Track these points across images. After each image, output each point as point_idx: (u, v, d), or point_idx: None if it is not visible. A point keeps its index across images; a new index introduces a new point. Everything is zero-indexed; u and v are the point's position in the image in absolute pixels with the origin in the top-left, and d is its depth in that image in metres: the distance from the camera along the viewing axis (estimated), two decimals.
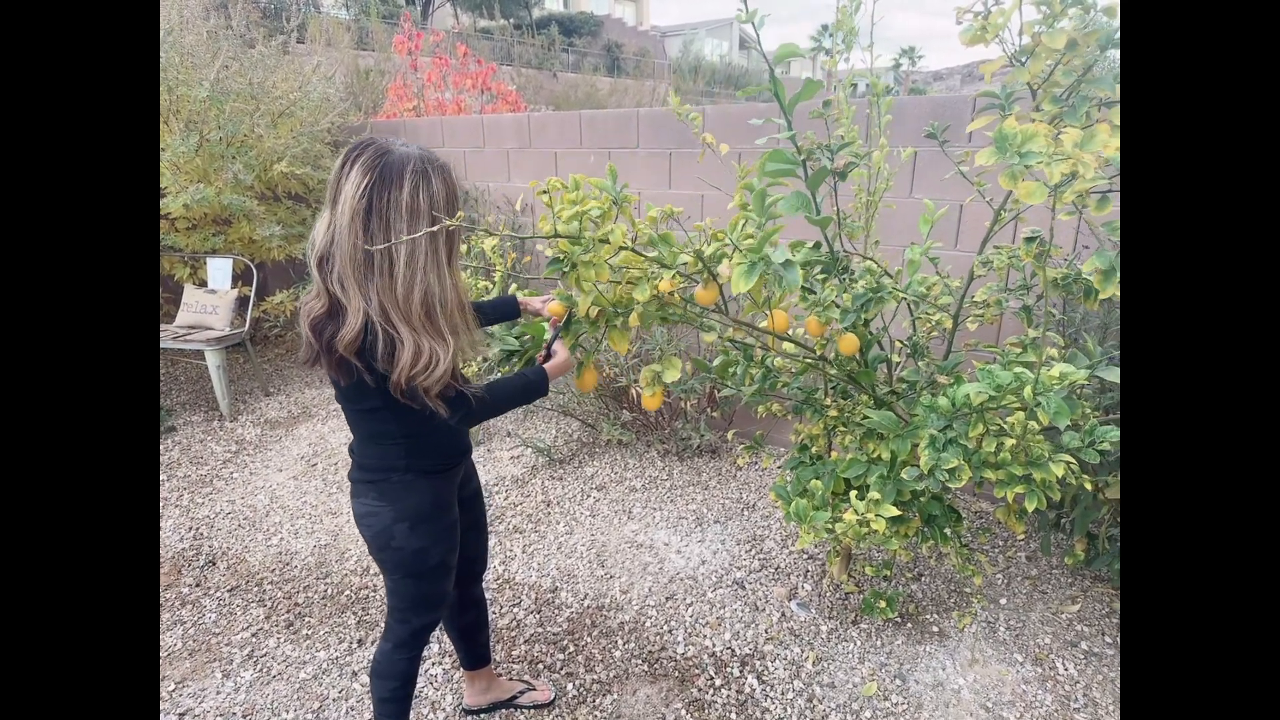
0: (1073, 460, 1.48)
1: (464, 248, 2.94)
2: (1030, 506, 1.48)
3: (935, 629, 2.14)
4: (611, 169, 1.38)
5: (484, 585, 2.35)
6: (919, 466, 1.50)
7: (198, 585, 2.39)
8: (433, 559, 1.39)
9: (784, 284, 1.26)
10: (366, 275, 1.13)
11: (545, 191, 1.32)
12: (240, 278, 4.18)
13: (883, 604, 2.08)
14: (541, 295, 1.66)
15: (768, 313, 1.59)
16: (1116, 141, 1.04)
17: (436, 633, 2.14)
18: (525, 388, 1.37)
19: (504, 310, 1.63)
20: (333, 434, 3.55)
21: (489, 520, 2.71)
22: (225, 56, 3.82)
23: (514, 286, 1.72)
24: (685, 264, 1.45)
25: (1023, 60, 1.30)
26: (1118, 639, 2.07)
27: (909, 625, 2.15)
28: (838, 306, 1.61)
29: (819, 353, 1.80)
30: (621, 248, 1.36)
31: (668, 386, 1.57)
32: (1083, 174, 1.05)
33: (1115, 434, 1.39)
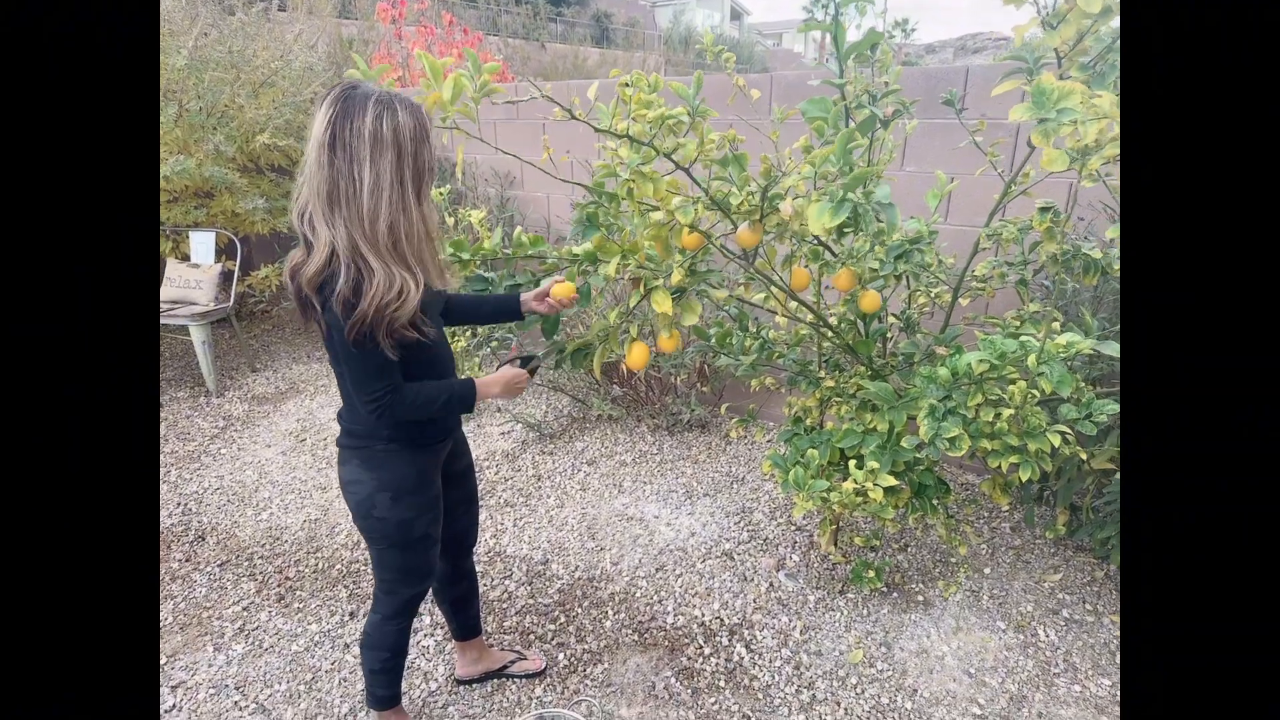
0: (1069, 431, 1.49)
1: (450, 220, 2.87)
2: (1024, 476, 1.49)
3: (920, 598, 2.17)
4: (698, 76, 1.32)
5: (475, 558, 2.37)
6: (918, 436, 1.51)
7: (188, 560, 2.39)
8: (416, 531, 1.39)
9: (886, 224, 1.23)
10: (333, 206, 1.12)
11: (627, 84, 1.27)
12: (224, 252, 4.12)
13: (870, 574, 2.10)
14: (546, 280, 1.54)
15: (780, 274, 1.58)
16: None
17: (428, 604, 2.15)
18: (449, 399, 1.32)
19: (504, 310, 1.54)
20: (321, 409, 3.53)
21: (480, 494, 2.71)
22: (204, 24, 3.72)
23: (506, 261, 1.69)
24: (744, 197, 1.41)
25: (1054, 25, 1.28)
26: (1098, 607, 2.12)
27: (895, 595, 2.19)
28: (869, 256, 1.60)
29: (823, 317, 1.79)
30: (680, 167, 1.32)
31: (682, 332, 1.55)
32: (1116, 135, 1.04)
33: (1112, 406, 1.40)
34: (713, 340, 1.96)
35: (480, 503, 2.69)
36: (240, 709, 1.80)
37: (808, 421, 2.08)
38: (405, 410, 1.26)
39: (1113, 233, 1.27)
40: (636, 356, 1.51)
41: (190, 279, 3.79)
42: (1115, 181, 1.28)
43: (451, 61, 1.21)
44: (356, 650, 1.98)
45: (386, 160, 1.12)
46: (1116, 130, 1.06)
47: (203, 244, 3.89)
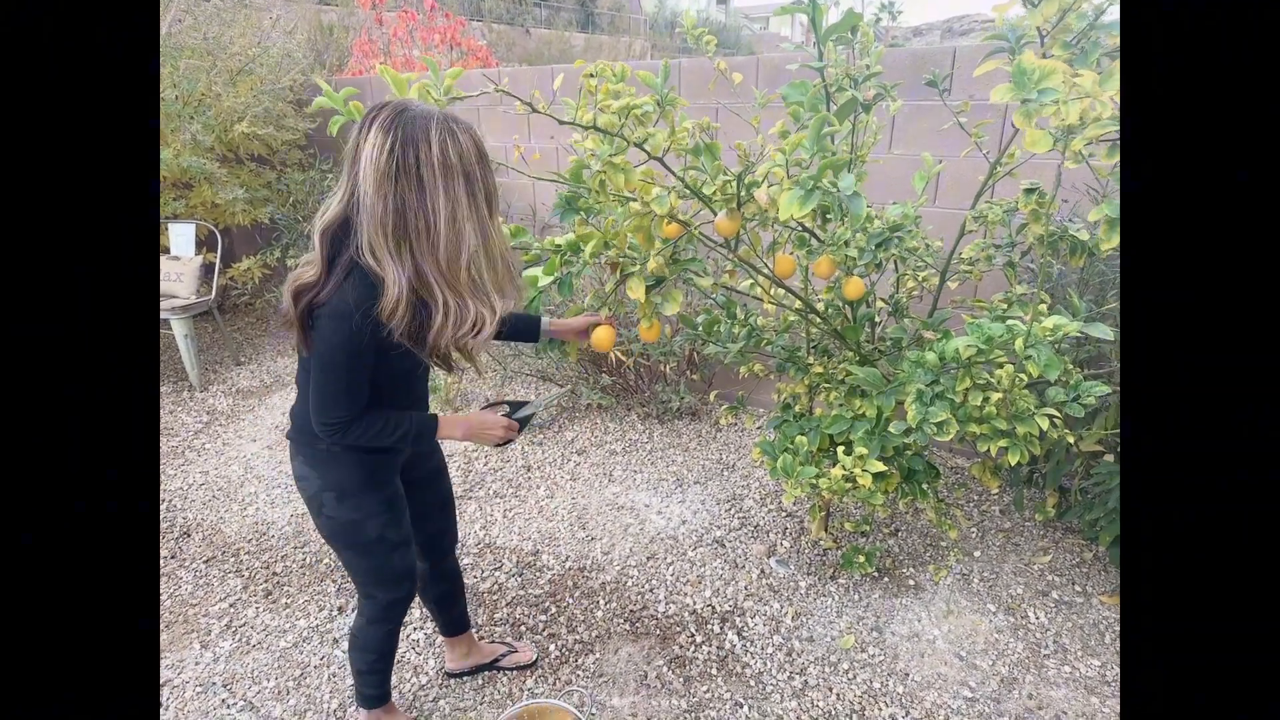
0: (1057, 414, 1.49)
1: None
2: (1013, 460, 1.49)
3: (911, 582, 2.18)
4: (665, 64, 1.30)
5: (466, 550, 2.35)
6: (905, 421, 1.50)
7: (173, 557, 2.36)
8: (369, 532, 1.34)
9: (849, 215, 1.22)
10: (401, 240, 1.06)
11: (592, 74, 1.24)
12: (204, 244, 4.05)
13: (861, 559, 2.11)
14: (585, 315, 1.54)
15: (765, 261, 1.56)
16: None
17: (417, 598, 2.14)
18: (405, 434, 1.26)
19: (524, 330, 1.51)
20: None
21: (469, 486, 2.69)
22: (177, 9, 3.64)
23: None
24: (718, 186, 1.39)
25: (1035, 3, 1.27)
26: (1086, 588, 2.13)
27: (886, 579, 2.19)
28: (849, 245, 1.58)
29: (810, 304, 1.77)
30: (652, 156, 1.30)
31: (664, 323, 1.54)
32: (1100, 114, 1.03)
33: (1100, 388, 1.39)
34: (700, 328, 1.94)
35: (470, 495, 2.67)
36: (228, 706, 1.78)
37: (797, 408, 2.07)
38: (358, 438, 1.22)
39: (1096, 214, 1.25)
40: (601, 338, 1.49)
41: (171, 272, 3.73)
42: (1098, 162, 1.26)
43: (414, 77, 1.17)
44: (345, 645, 1.96)
45: (461, 189, 1.07)
46: (1099, 110, 1.04)
47: (182, 236, 3.82)
